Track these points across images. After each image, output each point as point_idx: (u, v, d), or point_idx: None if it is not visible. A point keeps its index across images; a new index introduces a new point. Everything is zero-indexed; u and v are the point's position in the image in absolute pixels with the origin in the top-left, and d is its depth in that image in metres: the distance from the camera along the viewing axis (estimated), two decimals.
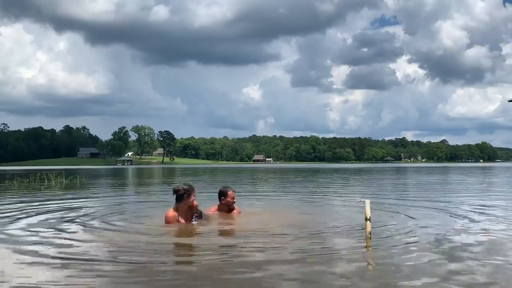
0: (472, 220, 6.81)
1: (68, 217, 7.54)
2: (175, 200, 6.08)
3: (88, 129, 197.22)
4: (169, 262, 4.38)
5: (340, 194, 12.89)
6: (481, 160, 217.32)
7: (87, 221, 6.98)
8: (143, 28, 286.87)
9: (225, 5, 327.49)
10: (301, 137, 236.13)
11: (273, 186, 18.42)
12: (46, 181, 20.55)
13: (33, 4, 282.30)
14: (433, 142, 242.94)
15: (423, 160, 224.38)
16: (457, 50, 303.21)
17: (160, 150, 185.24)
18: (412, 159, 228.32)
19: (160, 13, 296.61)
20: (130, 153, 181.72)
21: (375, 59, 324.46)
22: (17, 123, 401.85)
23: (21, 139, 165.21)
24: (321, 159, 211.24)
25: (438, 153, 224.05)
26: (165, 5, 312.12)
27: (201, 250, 4.96)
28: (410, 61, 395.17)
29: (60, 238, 5.55)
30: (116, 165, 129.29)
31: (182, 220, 6.05)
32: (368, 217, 5.00)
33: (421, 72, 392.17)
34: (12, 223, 6.93)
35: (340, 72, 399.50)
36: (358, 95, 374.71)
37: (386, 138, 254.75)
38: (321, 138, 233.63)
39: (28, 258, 4.40)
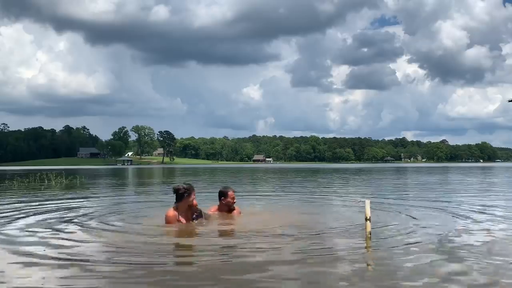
0: (473, 220, 6.80)
1: (67, 217, 7.53)
2: (175, 200, 6.08)
3: (88, 129, 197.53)
4: (168, 263, 4.37)
5: (340, 194, 12.88)
6: (481, 160, 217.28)
7: (86, 221, 6.97)
8: (143, 28, 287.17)
9: (225, 5, 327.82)
10: (301, 137, 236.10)
11: (273, 186, 18.41)
12: (46, 181, 20.55)
13: (33, 4, 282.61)
14: (433, 142, 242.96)
15: (423, 160, 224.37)
16: (457, 50, 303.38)
17: (160, 150, 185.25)
18: (412, 159, 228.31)
19: (160, 13, 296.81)
20: (130, 153, 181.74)
21: (375, 59, 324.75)
22: (17, 123, 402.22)
23: (21, 139, 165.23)
24: (321, 159, 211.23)
25: (438, 153, 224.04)
26: (165, 5, 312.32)
27: (201, 250, 4.94)
28: (410, 61, 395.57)
29: (58, 238, 5.53)
30: (116, 165, 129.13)
31: (183, 220, 6.05)
32: (368, 217, 4.99)
33: (421, 72, 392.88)
34: (11, 223, 6.92)
35: (340, 72, 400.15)
36: (358, 95, 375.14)
37: (386, 138, 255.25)
38: (321, 138, 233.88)
39: (26, 259, 4.37)
